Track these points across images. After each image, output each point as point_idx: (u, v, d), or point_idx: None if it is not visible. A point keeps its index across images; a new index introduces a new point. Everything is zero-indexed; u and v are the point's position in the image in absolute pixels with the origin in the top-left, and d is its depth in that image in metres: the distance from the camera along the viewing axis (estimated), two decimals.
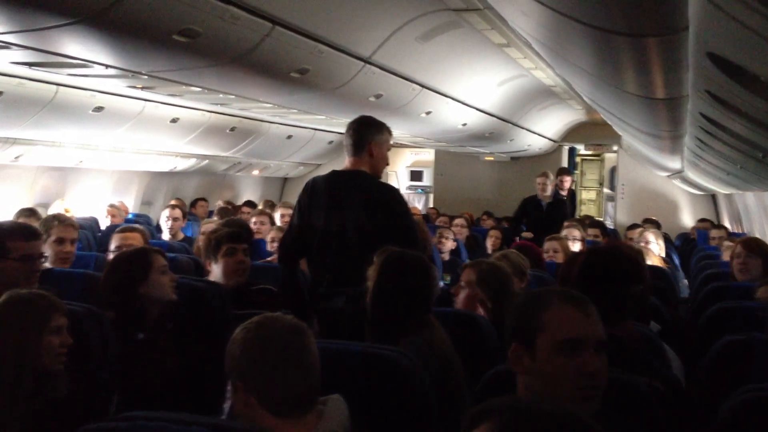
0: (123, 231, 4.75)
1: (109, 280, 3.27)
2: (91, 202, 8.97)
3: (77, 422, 1.81)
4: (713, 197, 12.26)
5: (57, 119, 6.57)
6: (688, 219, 12.49)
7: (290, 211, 4.19)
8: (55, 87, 6.05)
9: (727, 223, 10.56)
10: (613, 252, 2.79)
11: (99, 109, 6.74)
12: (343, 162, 3.94)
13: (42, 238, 3.63)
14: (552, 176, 8.89)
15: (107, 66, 4.43)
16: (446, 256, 6.96)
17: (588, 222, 8.42)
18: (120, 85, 5.98)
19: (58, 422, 2.45)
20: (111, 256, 4.38)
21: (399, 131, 9.08)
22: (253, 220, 6.58)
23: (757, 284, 4.03)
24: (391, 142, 4.01)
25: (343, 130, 4.01)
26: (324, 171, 3.94)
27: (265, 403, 1.98)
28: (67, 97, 6.25)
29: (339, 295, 3.63)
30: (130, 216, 8.88)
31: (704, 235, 9.10)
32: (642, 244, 6.00)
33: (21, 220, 5.63)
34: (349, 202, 3.70)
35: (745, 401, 2.16)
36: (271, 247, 5.68)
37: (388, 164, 3.96)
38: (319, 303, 3.75)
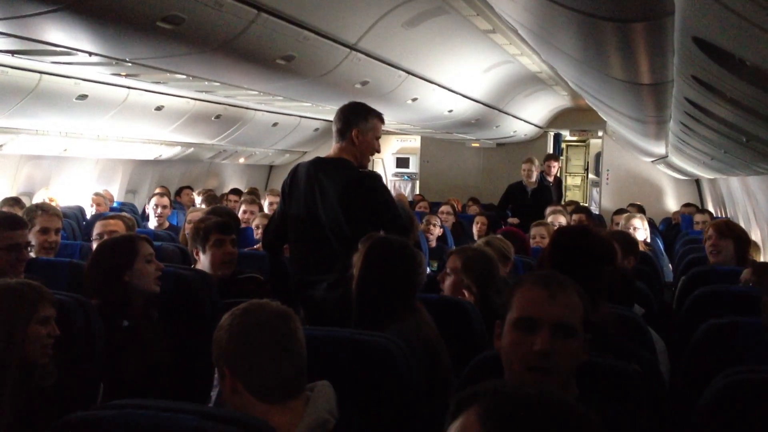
0: (106, 218, 4.73)
1: (94, 267, 3.25)
2: (75, 190, 8.91)
3: (64, 410, 1.81)
4: (697, 182, 12.33)
5: (41, 107, 6.52)
6: (672, 204, 12.57)
7: (278, 199, 4.18)
8: (38, 75, 6.00)
9: (711, 208, 10.62)
10: (580, 232, 2.80)
11: (83, 97, 6.69)
12: (329, 149, 3.91)
13: (27, 228, 3.61)
14: (537, 162, 8.91)
15: (91, 53, 4.40)
16: (433, 243, 6.98)
17: (572, 207, 8.46)
18: (104, 73, 5.93)
19: (46, 411, 2.44)
20: (94, 244, 4.35)
21: (386, 118, 9.05)
22: (243, 208, 6.55)
23: (742, 268, 4.08)
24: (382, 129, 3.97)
25: (329, 117, 4.00)
26: (310, 158, 3.91)
27: (253, 389, 1.98)
28: (50, 85, 6.20)
29: (319, 283, 3.63)
30: (115, 204, 8.83)
31: (688, 220, 9.16)
32: (631, 230, 6.03)
33: (5, 209, 5.61)
34: (326, 190, 3.67)
35: (729, 384, 2.18)
36: (258, 234, 5.67)
37: (377, 151, 3.91)
38: (300, 291, 3.75)
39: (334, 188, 3.65)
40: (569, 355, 1.92)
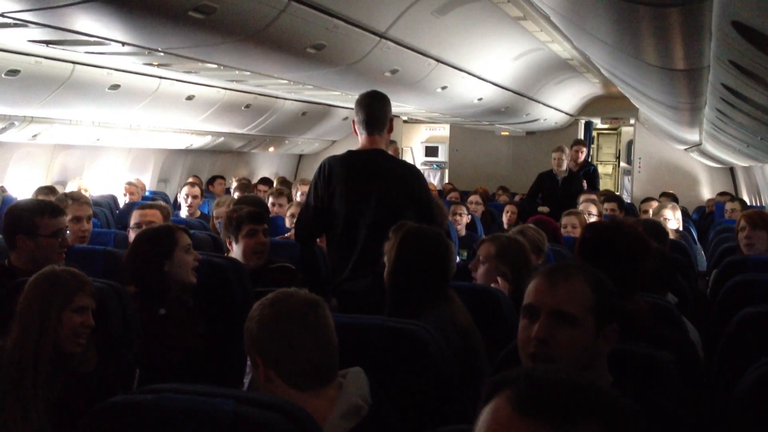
0: (143, 208, 4.77)
1: (134, 256, 3.29)
2: (108, 179, 9.02)
3: (102, 396, 1.83)
4: (731, 170, 12.16)
5: (73, 97, 6.60)
6: (706, 192, 12.41)
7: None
8: (71, 65, 6.07)
9: (745, 197, 10.47)
10: (611, 227, 2.77)
11: (115, 87, 6.75)
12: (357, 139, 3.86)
13: (63, 214, 3.67)
14: (567, 151, 8.83)
15: (124, 43, 4.44)
16: (462, 232, 6.96)
17: (603, 197, 8.38)
18: (136, 63, 5.98)
19: (83, 397, 2.48)
20: (131, 232, 4.41)
21: (414, 106, 9.06)
22: (271, 201, 6.59)
23: None
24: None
25: None
26: (339, 148, 3.91)
27: (285, 377, 2.00)
28: (83, 75, 6.27)
29: (365, 276, 3.62)
30: (147, 194, 8.92)
31: (722, 208, 9.03)
32: (661, 220, 5.96)
33: (40, 198, 5.69)
34: (372, 186, 3.65)
35: (764, 374, 2.16)
36: (290, 222, 5.69)
37: None
38: (342, 285, 3.75)
39: (382, 182, 3.63)
40: (570, 343, 1.93)
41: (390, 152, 3.88)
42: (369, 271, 3.58)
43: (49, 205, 3.52)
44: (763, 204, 9.17)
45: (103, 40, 4.34)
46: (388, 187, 3.63)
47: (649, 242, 2.88)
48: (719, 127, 5.13)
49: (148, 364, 2.93)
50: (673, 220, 6.15)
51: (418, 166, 14.40)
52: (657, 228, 4.57)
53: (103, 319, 2.65)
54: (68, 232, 3.85)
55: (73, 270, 2.63)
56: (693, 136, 7.86)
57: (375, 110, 3.75)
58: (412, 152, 14.80)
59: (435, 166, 14.89)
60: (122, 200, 7.85)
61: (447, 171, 14.51)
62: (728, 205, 8.45)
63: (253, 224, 3.97)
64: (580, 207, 6.51)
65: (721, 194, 10.71)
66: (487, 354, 2.84)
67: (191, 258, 3.32)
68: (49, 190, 6.28)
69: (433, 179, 14.24)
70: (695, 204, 11.61)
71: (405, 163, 3.84)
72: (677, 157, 12.55)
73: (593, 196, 7.04)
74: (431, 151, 14.88)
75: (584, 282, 1.99)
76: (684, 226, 6.76)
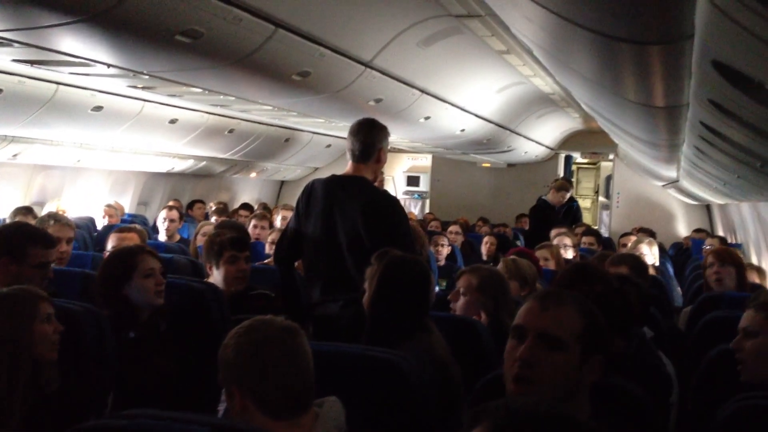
0: (120, 231, 4.75)
1: (98, 279, 3.29)
2: (87, 201, 8.95)
3: (73, 419, 1.81)
4: (708, 207, 12.29)
5: (56, 118, 6.56)
6: (682, 229, 12.53)
7: (290, 214, 4.18)
8: (55, 86, 6.04)
9: (721, 234, 10.58)
10: (580, 270, 2.81)
11: (98, 108, 6.73)
12: (342, 166, 3.89)
13: (55, 246, 3.63)
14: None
15: (109, 65, 4.43)
16: (442, 262, 6.98)
17: (582, 230, 8.44)
18: (120, 85, 5.97)
19: (54, 419, 2.45)
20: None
21: (398, 136, 9.10)
22: (254, 223, 6.57)
23: (752, 295, 4.04)
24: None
25: (342, 133, 3.99)
26: (321, 175, 3.92)
27: (262, 406, 1.98)
28: (66, 95, 6.24)
29: (334, 301, 3.62)
30: (125, 216, 8.87)
31: (699, 245, 9.11)
32: (638, 254, 6.00)
33: (18, 219, 5.63)
34: (346, 210, 3.66)
35: (739, 409, 2.17)
36: (270, 249, 5.68)
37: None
38: (314, 309, 3.74)
39: (356, 207, 3.63)
40: (554, 368, 1.94)
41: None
42: (338, 296, 3.57)
43: (46, 236, 3.47)
44: (739, 242, 9.27)
45: (88, 62, 4.33)
46: (360, 214, 3.62)
47: (632, 279, 2.94)
48: (697, 164, 5.19)
49: (121, 387, 2.90)
50: (649, 255, 6.21)
51: (400, 195, 14.45)
52: (638, 263, 4.62)
53: (77, 341, 2.63)
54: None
55: (21, 287, 2.63)
56: (671, 172, 7.95)
57: (360, 138, 3.77)
58: (394, 181, 14.83)
59: (416, 195, 14.92)
60: (101, 222, 7.80)
61: (428, 201, 14.55)
62: (708, 242, 8.53)
63: (234, 250, 3.95)
64: (554, 240, 6.56)
65: (697, 231, 10.84)
66: (466, 385, 2.84)
67: (153, 282, 3.27)
68: (27, 210, 6.23)
69: (414, 209, 14.27)
70: (672, 240, 11.71)
71: (382, 192, 3.84)
72: (655, 193, 12.68)
73: (564, 229, 7.11)
74: (413, 180, 14.92)
75: (576, 310, 2.00)
76: (661, 261, 6.82)
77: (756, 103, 2.04)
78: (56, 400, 2.53)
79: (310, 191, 3.82)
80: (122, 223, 7.60)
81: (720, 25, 1.53)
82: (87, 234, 7.02)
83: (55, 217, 4.63)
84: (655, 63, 2.45)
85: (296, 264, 4.17)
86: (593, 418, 1.96)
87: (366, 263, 3.07)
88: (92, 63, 4.36)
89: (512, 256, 4.51)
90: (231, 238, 4.02)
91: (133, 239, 4.62)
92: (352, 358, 2.47)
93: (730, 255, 4.84)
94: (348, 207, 3.66)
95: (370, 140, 3.76)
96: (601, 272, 2.91)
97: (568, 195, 8.95)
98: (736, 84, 1.95)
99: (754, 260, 7.72)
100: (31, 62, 4.64)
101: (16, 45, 3.91)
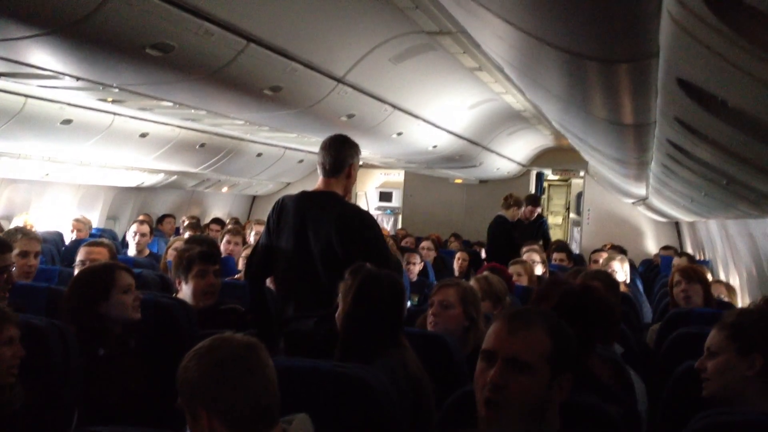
0: (90, 245, 4.69)
1: (72, 296, 3.22)
2: (55, 215, 8.84)
3: None
4: (677, 225, 12.44)
5: (24, 131, 6.48)
6: (651, 245, 12.66)
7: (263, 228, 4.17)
8: (23, 98, 5.97)
9: (689, 251, 10.71)
10: (586, 297, 2.83)
11: (67, 121, 6.66)
12: (313, 181, 3.89)
13: (11, 251, 3.59)
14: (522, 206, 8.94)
15: (78, 78, 4.39)
16: (414, 277, 6.98)
17: (555, 246, 8.50)
18: (90, 98, 5.92)
19: None
20: (76, 269, 4.32)
21: (370, 152, 9.12)
22: (227, 238, 6.52)
23: (724, 312, 4.09)
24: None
25: (314, 149, 4.00)
26: (293, 190, 3.91)
27: (232, 424, 1.96)
28: (35, 108, 6.17)
29: (308, 318, 3.59)
30: (94, 231, 8.77)
31: (668, 262, 9.21)
32: (609, 271, 6.06)
33: None
34: (319, 226, 3.65)
35: (706, 425, 2.19)
36: (243, 265, 5.64)
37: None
38: (286, 326, 3.71)
39: (329, 222, 3.63)
40: (523, 391, 1.95)
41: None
42: (312, 312, 3.56)
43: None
44: (707, 258, 9.38)
45: (56, 74, 4.29)
46: (333, 228, 3.62)
47: (612, 302, 2.97)
48: (665, 182, 5.25)
49: (88, 405, 2.85)
50: (621, 272, 6.26)
51: (372, 211, 14.45)
52: (610, 280, 4.65)
53: (41, 357, 2.59)
54: (14, 267, 3.77)
55: None
56: (640, 190, 8.04)
57: (330, 153, 3.78)
58: (366, 197, 14.84)
59: (389, 211, 14.93)
60: (69, 237, 7.70)
61: (401, 217, 14.56)
62: (676, 260, 8.62)
63: (204, 264, 3.93)
64: (524, 256, 6.61)
65: (665, 248, 10.95)
66: (436, 401, 2.83)
67: (131, 298, 3.24)
68: None
69: (387, 225, 14.28)
70: (641, 257, 11.82)
71: (355, 206, 3.85)
72: (625, 211, 12.82)
73: (536, 246, 7.17)
74: (385, 196, 14.94)
75: (544, 331, 2.00)
76: (631, 278, 6.88)
77: (721, 121, 2.07)
78: (20, 417, 2.48)
79: (281, 207, 3.81)
80: (91, 237, 7.52)
81: (683, 43, 1.55)
82: (54, 248, 6.92)
83: (23, 231, 4.57)
84: (622, 81, 2.48)
85: (268, 280, 4.15)
86: None
87: (339, 278, 3.06)
88: (61, 76, 4.32)
89: (484, 273, 4.53)
90: (200, 252, 3.99)
91: (102, 253, 4.57)
92: (322, 375, 2.45)
93: (696, 272, 4.91)
94: (320, 222, 3.65)
95: (340, 156, 3.77)
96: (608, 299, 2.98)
97: (521, 211, 8.97)
98: (701, 102, 1.98)
99: (722, 277, 7.82)
100: None
101: None
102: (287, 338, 3.68)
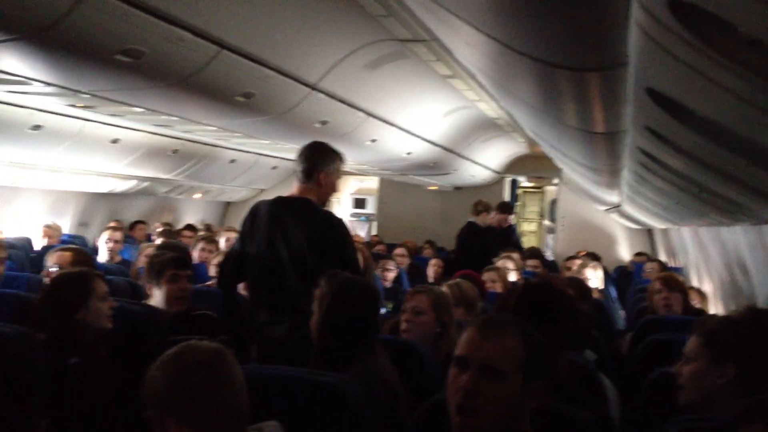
0: (61, 250, 4.63)
1: (46, 302, 3.17)
2: (24, 222, 8.73)
3: None
4: (649, 232, 12.55)
5: None
6: (625, 252, 12.75)
7: (235, 235, 4.15)
8: None
9: (662, 257, 10.80)
10: (546, 289, 2.83)
11: (37, 127, 6.57)
12: (288, 188, 3.91)
13: None
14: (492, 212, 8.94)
15: (47, 84, 4.34)
16: (388, 284, 6.98)
17: (529, 253, 8.54)
18: (60, 104, 5.85)
19: None
20: (47, 272, 4.26)
21: (344, 158, 9.07)
22: (202, 246, 6.46)
23: (696, 319, 4.12)
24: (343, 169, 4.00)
25: (288, 155, 4.00)
26: (267, 196, 3.90)
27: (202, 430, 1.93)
28: (4, 114, 6.08)
29: (280, 323, 3.58)
30: (64, 237, 8.67)
31: (641, 268, 9.29)
32: (583, 278, 6.09)
33: None
34: (291, 231, 3.66)
35: None
36: (215, 271, 5.59)
37: (336, 191, 3.93)
38: (259, 331, 3.70)
39: (301, 228, 3.64)
40: (496, 397, 1.95)
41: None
42: (285, 317, 3.55)
43: None
44: (679, 265, 9.47)
45: (25, 80, 4.23)
46: (305, 235, 3.63)
47: (577, 304, 2.96)
48: (637, 189, 5.29)
49: (57, 415, 2.81)
50: (594, 278, 6.30)
51: (347, 218, 14.43)
52: (582, 286, 4.68)
53: (8, 365, 2.54)
54: None
55: None
56: (613, 197, 8.10)
57: (302, 160, 3.82)
58: (340, 203, 14.81)
59: (363, 218, 14.92)
60: (38, 243, 7.60)
61: (375, 223, 14.55)
62: (647, 266, 8.70)
63: (176, 269, 3.90)
64: (498, 263, 6.63)
65: (638, 254, 11.05)
66: (409, 408, 2.83)
67: (107, 306, 3.22)
68: None
69: (361, 231, 14.26)
70: (615, 263, 11.91)
71: (327, 212, 3.85)
72: (598, 218, 12.90)
73: (513, 254, 7.19)
74: (359, 203, 14.92)
75: (516, 338, 2.00)
76: (604, 285, 6.93)
77: (691, 130, 2.09)
78: None
79: (255, 213, 3.83)
80: (61, 244, 7.42)
81: (652, 53, 1.56)
82: (23, 255, 6.83)
83: None
84: (593, 90, 2.50)
85: (240, 286, 4.14)
86: None
87: (312, 284, 3.05)
88: (30, 81, 4.26)
89: (456, 279, 4.53)
90: (173, 257, 3.97)
91: (76, 259, 4.49)
92: (294, 382, 2.44)
93: (677, 282, 4.95)
94: (293, 228, 3.66)
95: (309, 162, 3.80)
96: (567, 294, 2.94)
97: (490, 216, 8.97)
98: (670, 111, 2.00)
99: (695, 283, 7.89)
100: None
101: None
102: (261, 345, 3.67)
